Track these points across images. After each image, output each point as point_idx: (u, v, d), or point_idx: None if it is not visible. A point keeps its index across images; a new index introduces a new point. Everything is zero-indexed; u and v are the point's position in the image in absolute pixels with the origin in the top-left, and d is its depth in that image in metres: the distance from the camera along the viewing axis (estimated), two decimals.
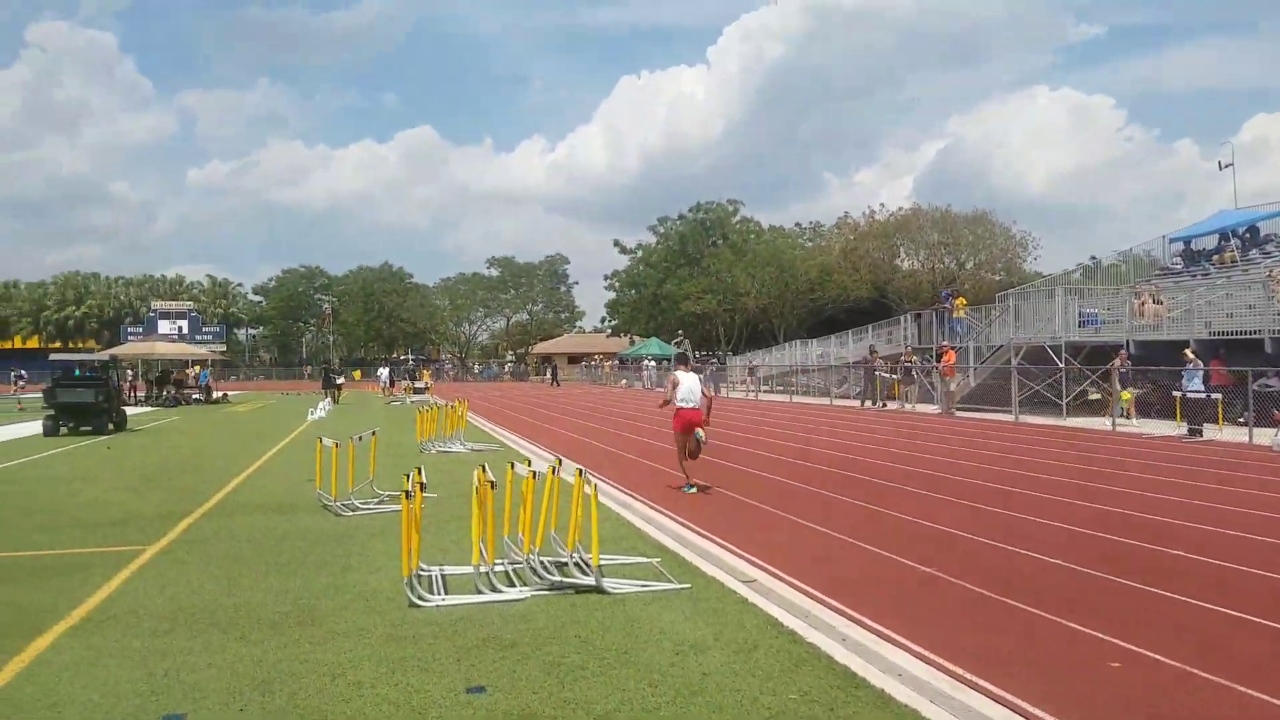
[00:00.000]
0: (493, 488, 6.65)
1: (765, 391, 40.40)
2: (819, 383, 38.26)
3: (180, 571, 7.26)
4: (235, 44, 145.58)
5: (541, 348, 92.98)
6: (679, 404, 11.22)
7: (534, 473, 6.90)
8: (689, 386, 11.29)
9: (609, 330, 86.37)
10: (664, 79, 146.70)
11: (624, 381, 58.82)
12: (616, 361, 66.94)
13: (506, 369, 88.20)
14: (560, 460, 7.65)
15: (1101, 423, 21.35)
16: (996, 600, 6.34)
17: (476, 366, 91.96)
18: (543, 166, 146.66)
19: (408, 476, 6.85)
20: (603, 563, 6.80)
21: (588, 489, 6.81)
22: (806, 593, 6.54)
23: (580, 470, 6.87)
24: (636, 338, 75.25)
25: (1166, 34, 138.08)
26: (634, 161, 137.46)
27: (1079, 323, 25.61)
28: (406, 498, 6.24)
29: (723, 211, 71.26)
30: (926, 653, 5.20)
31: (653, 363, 54.29)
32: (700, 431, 11.10)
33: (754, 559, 7.54)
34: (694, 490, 11.15)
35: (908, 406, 28.22)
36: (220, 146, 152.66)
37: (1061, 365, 23.86)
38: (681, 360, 12.55)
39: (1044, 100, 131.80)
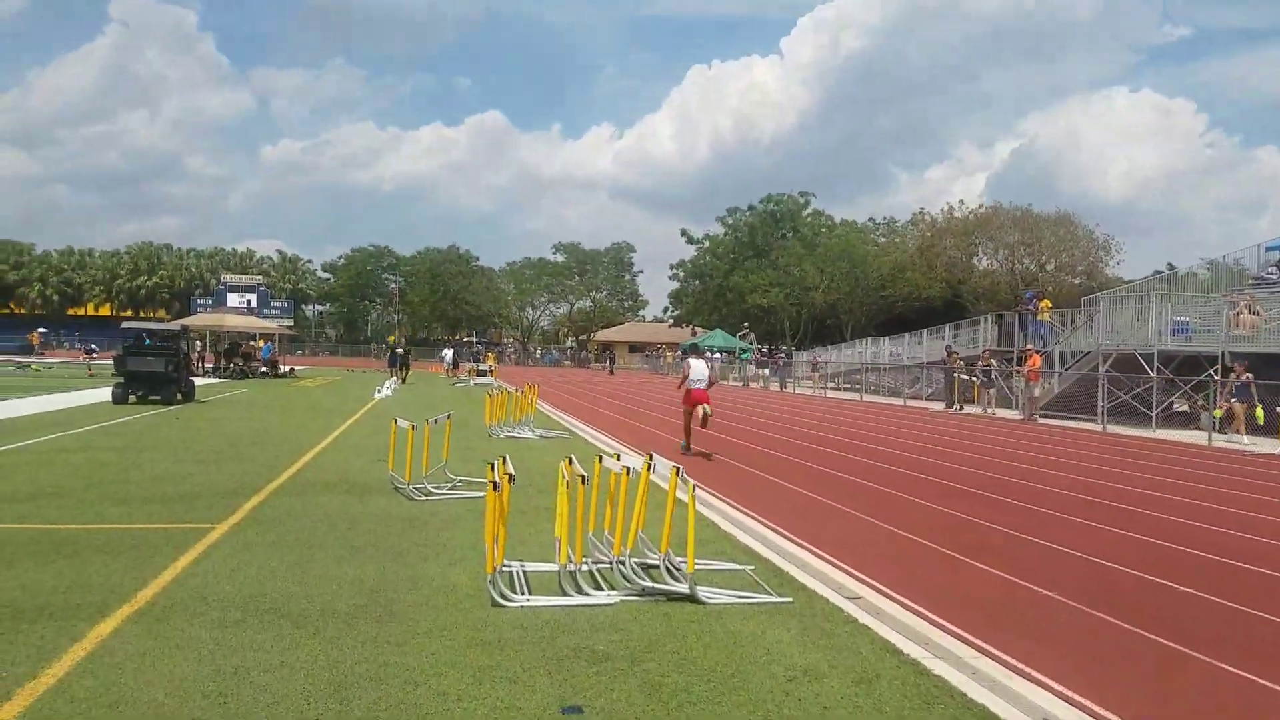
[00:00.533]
0: (584, 482, 6.15)
1: (832, 389, 39.48)
2: (890, 382, 37.21)
3: (250, 554, 6.92)
4: (311, 25, 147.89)
5: (603, 335, 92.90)
6: (690, 385, 13.82)
7: (627, 469, 6.39)
8: (699, 372, 13.92)
9: (671, 320, 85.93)
10: (736, 68, 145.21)
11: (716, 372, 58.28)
12: (680, 352, 66.38)
13: (567, 355, 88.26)
14: (651, 455, 7.12)
15: (1194, 436, 20.18)
16: (1144, 637, 5.65)
17: (538, 351, 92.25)
18: (610, 153, 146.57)
19: (492, 465, 6.39)
20: (695, 568, 6.26)
21: (682, 489, 6.27)
22: (920, 614, 5.92)
23: (677, 469, 6.32)
24: (699, 329, 74.63)
25: (1253, 38, 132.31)
26: (703, 151, 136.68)
27: (1170, 331, 24.34)
28: (494, 489, 5.77)
29: (793, 204, 70.17)
30: (1077, 697, 4.58)
31: (718, 355, 53.61)
32: (707, 407, 13.68)
33: (856, 572, 6.93)
34: (691, 454, 13.76)
35: (988, 411, 27.15)
36: (293, 125, 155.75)
37: (1154, 375, 22.67)
38: (693, 350, 15.73)
39: (1123, 102, 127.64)
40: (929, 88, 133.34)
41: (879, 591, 6.41)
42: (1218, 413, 20.23)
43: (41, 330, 71.66)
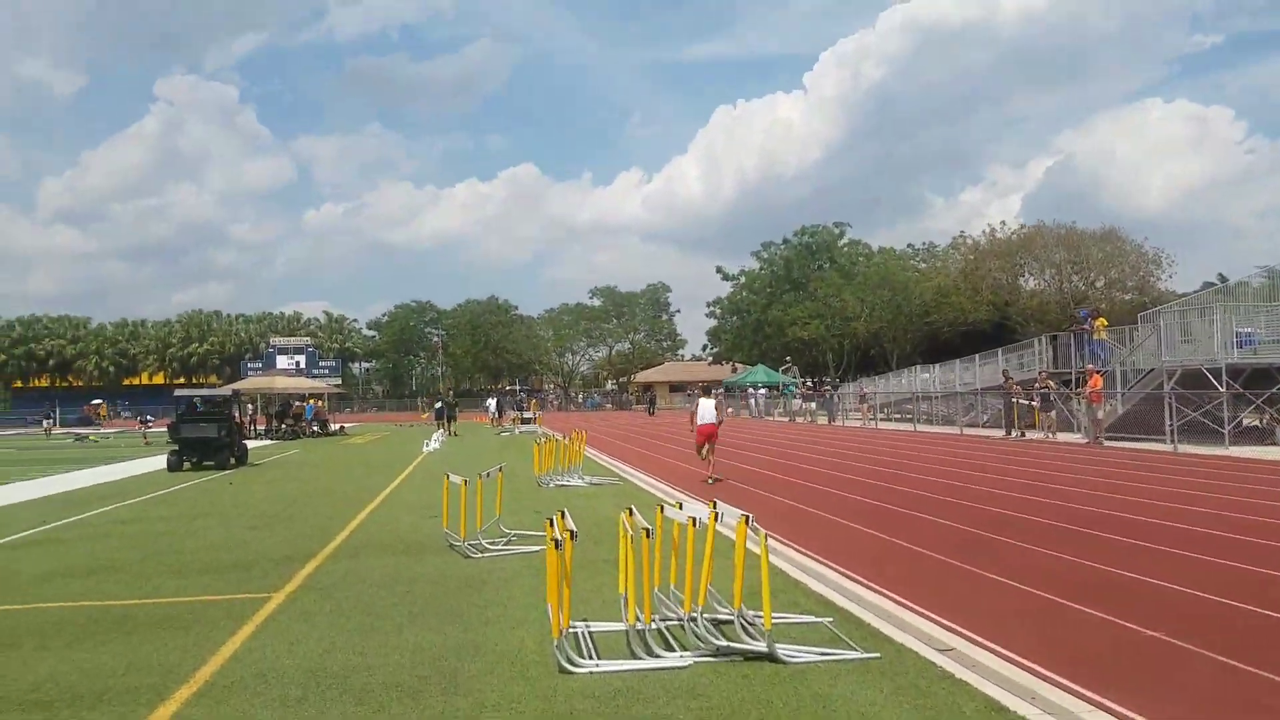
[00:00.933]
0: (648, 536, 5.85)
1: (881, 419, 38.73)
2: (942, 410, 36.38)
3: (309, 625, 6.70)
4: (347, 93, 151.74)
5: (643, 376, 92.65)
6: (700, 421, 15.72)
7: (693, 519, 6.09)
8: (707, 409, 15.80)
9: (710, 358, 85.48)
10: (760, 106, 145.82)
11: (730, 410, 57.69)
12: (721, 389, 65.92)
13: (609, 398, 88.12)
14: (714, 503, 6.81)
15: (1270, 452, 19.32)
16: (1273, 682, 5.17)
17: (580, 396, 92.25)
18: (639, 197, 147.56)
19: (550, 521, 6.14)
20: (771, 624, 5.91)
21: (754, 540, 5.94)
22: (1021, 665, 5.49)
23: (747, 518, 6.00)
24: (739, 365, 74.10)
25: None
26: (730, 190, 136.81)
27: (1235, 344, 23.47)
28: (556, 546, 5.51)
29: (829, 235, 69.76)
30: None
31: (762, 390, 53.03)
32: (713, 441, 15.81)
33: (943, 620, 6.50)
34: (714, 481, 15.45)
35: (1048, 436, 26.34)
36: (334, 189, 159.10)
37: (1223, 390, 21.81)
38: (704, 391, 17.68)
39: (1158, 113, 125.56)
40: (957, 112, 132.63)
41: (972, 642, 5.98)
42: None
43: (95, 401, 73.44)
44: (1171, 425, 21.87)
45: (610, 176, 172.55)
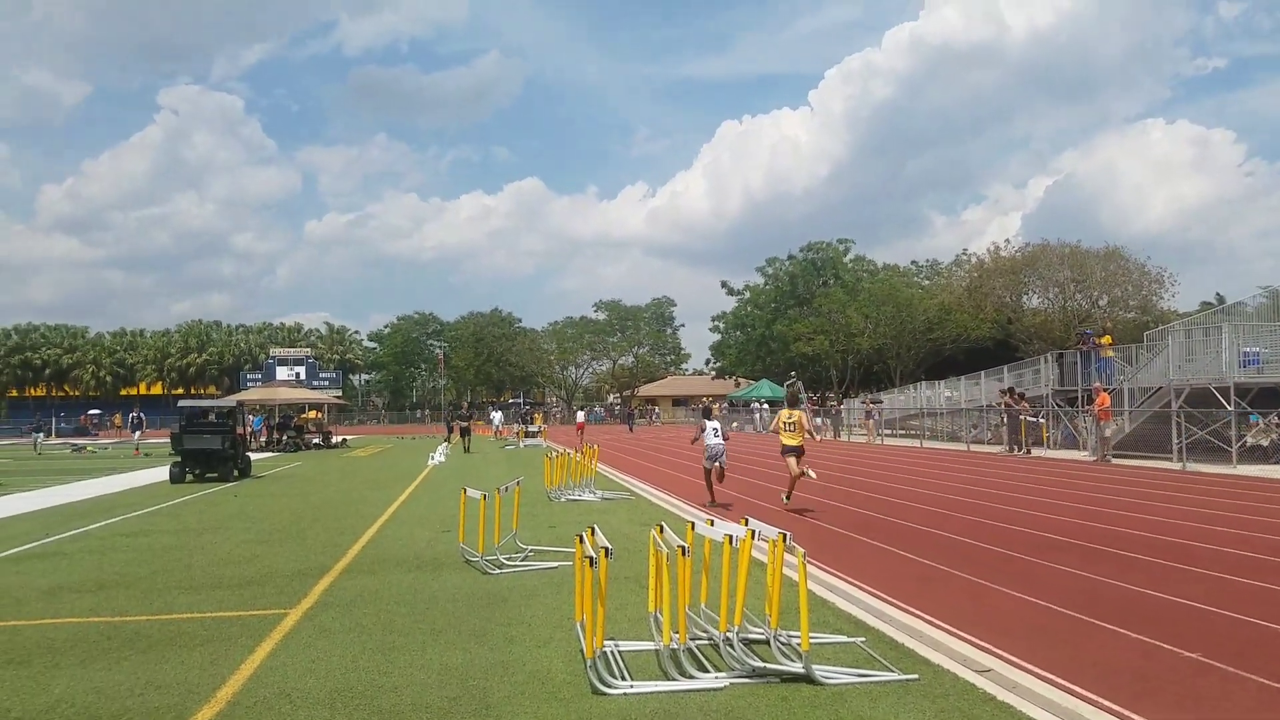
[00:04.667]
0: (684, 554, 5.71)
1: (886, 434, 38.56)
2: (947, 426, 36.25)
3: (329, 642, 6.55)
4: (354, 104, 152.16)
5: (646, 390, 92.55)
6: (708, 442, 14.70)
7: (729, 536, 5.95)
8: (714, 429, 14.88)
9: (713, 372, 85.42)
10: (766, 122, 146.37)
11: (734, 424, 57.49)
12: (725, 404, 65.72)
13: (614, 411, 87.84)
14: (746, 519, 6.67)
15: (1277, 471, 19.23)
16: None
17: (580, 410, 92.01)
18: (644, 212, 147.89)
19: (581, 538, 6.01)
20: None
21: (791, 560, 5.81)
22: (1062, 686, 5.36)
23: (784, 535, 5.86)
24: (742, 380, 74.01)
25: None
26: (736, 205, 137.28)
27: (1240, 363, 23.41)
28: (590, 565, 5.37)
29: (834, 251, 69.83)
30: None
31: (765, 405, 52.89)
32: (722, 460, 14.80)
33: (978, 641, 6.36)
34: (715, 507, 14.45)
35: (1043, 453, 26.25)
36: (338, 200, 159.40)
37: (1231, 408, 21.71)
38: (705, 414, 16.05)
39: (1159, 135, 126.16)
40: (961, 132, 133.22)
41: (1009, 663, 5.84)
42: None
43: (95, 411, 73.10)
44: (1180, 443, 21.78)
45: (615, 190, 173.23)
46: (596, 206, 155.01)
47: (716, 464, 14.70)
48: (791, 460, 13.65)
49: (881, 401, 42.35)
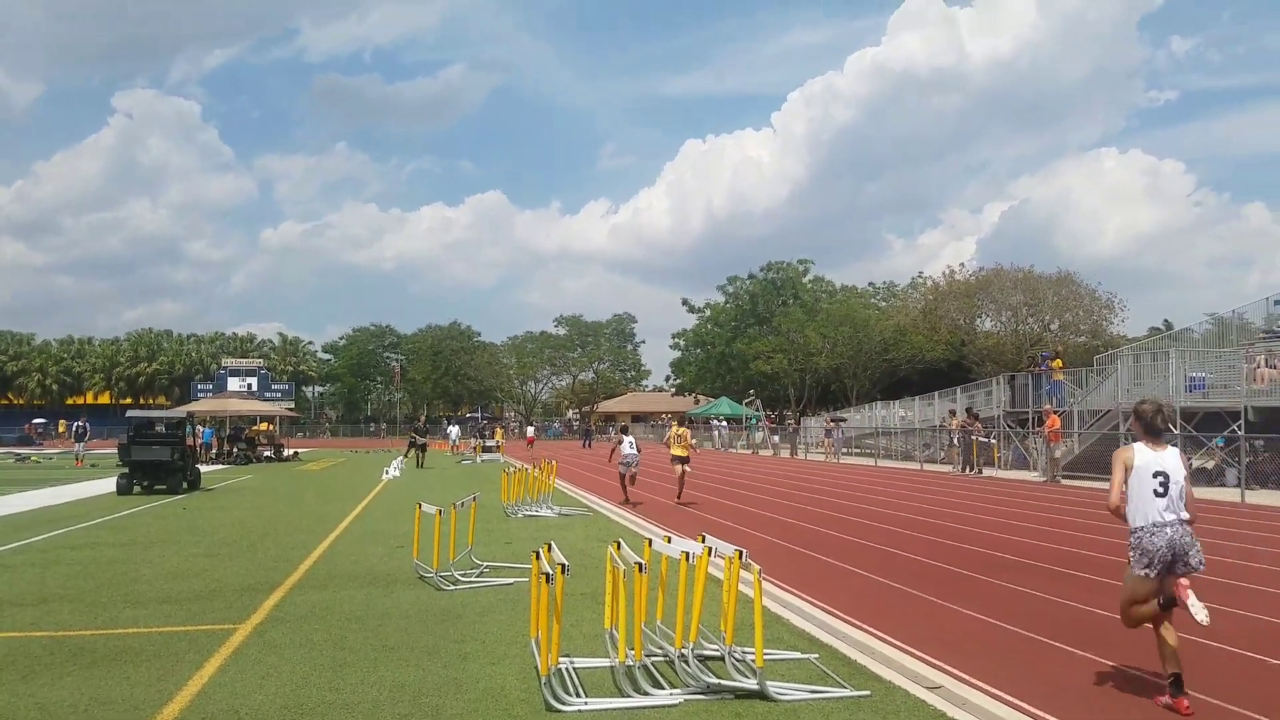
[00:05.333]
0: (641, 571, 5.73)
1: (842, 454, 38.94)
2: (901, 445, 36.71)
3: (279, 658, 6.45)
4: (314, 112, 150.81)
5: (605, 406, 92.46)
6: (622, 455, 17.92)
7: (686, 554, 5.98)
8: (629, 447, 17.88)
9: (673, 389, 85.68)
10: (729, 142, 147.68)
11: (694, 441, 57.69)
12: (687, 420, 65.92)
13: (573, 427, 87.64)
14: (704, 536, 6.71)
15: (1224, 494, 19.75)
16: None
17: (535, 426, 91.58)
18: (606, 227, 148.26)
19: (537, 554, 6.00)
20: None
21: (747, 577, 5.85)
22: (1011, 704, 5.45)
23: (740, 553, 5.91)
24: (702, 397, 74.29)
25: (1240, 98, 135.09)
26: (698, 223, 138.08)
27: (1188, 387, 24.08)
28: (547, 581, 5.36)
29: (793, 271, 70.59)
30: None
31: (724, 423, 53.14)
32: (636, 470, 18.24)
33: (930, 658, 6.45)
34: (628, 504, 17.56)
35: (969, 472, 26.74)
36: (296, 208, 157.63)
37: (1177, 431, 22.27)
38: (624, 431, 19.41)
39: (1112, 163, 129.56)
40: (920, 156, 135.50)
41: (960, 680, 5.93)
42: None
43: (39, 420, 71.18)
44: None
45: (578, 206, 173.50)
46: (559, 221, 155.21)
47: (630, 470, 18.05)
48: (679, 467, 17.82)
49: (845, 420, 42.68)
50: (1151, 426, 5.77)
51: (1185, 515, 5.62)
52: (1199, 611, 5.36)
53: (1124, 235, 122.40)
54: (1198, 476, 23.12)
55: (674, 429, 18.93)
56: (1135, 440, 5.88)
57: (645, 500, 18.59)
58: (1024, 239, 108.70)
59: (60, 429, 39.79)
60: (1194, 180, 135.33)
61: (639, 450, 18.36)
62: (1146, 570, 5.58)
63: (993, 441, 28.59)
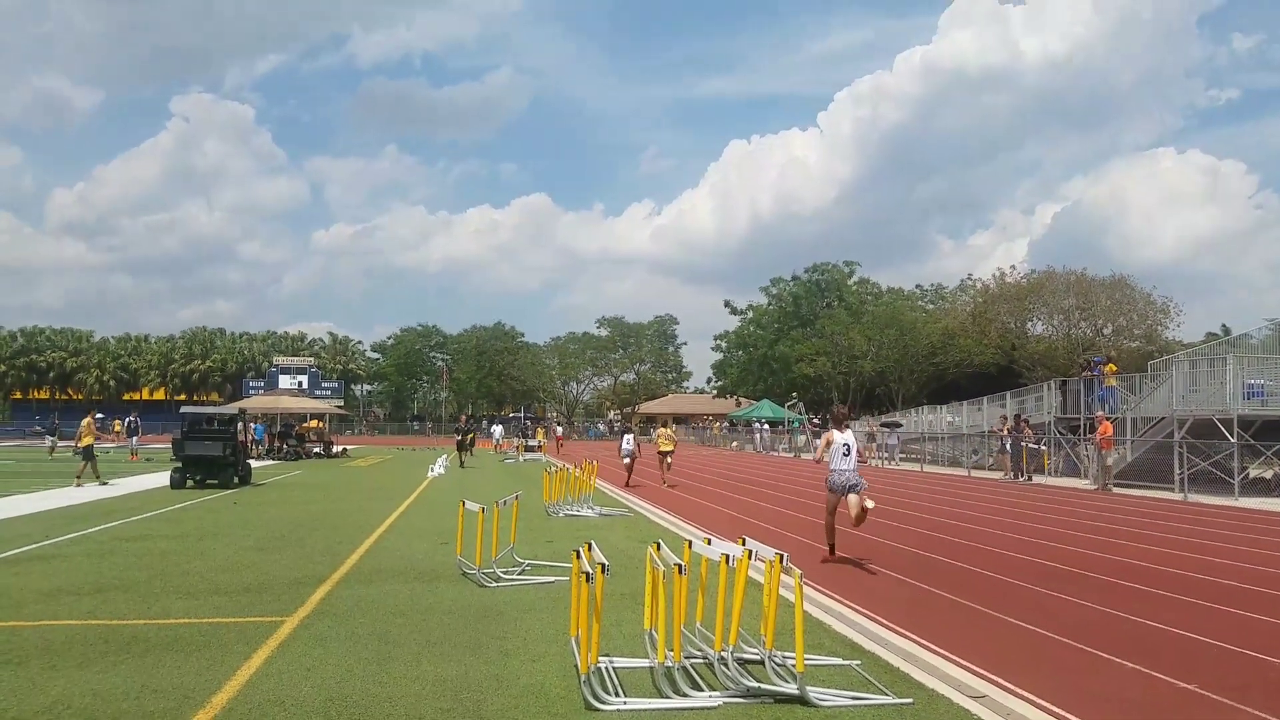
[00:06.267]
0: (681, 572, 5.73)
1: (884, 458, 38.49)
2: (948, 451, 36.20)
3: (324, 651, 6.56)
4: (365, 116, 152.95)
5: (646, 407, 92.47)
6: (625, 448, 23.71)
7: (726, 556, 5.96)
8: (629, 438, 24.03)
9: (714, 391, 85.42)
10: (775, 143, 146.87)
11: (735, 444, 57.46)
12: (727, 423, 65.70)
13: (614, 428, 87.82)
14: (744, 539, 6.69)
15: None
16: None
17: (577, 426, 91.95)
18: (649, 229, 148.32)
19: (578, 553, 6.03)
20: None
21: (788, 581, 5.81)
22: (1057, 715, 5.36)
23: (781, 556, 5.88)
24: (744, 399, 73.97)
25: None
26: (742, 225, 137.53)
27: (1245, 394, 23.42)
28: (587, 581, 5.39)
29: (838, 273, 69.96)
30: None
31: (766, 426, 52.86)
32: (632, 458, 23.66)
33: (974, 667, 6.36)
34: (630, 486, 22.47)
35: (1044, 480, 26.18)
36: (346, 211, 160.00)
37: (1234, 440, 21.70)
38: (625, 430, 25.90)
39: (1169, 164, 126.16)
40: (971, 157, 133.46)
41: (1005, 689, 5.84)
42: None
43: (100, 415, 73.03)
44: (1182, 474, 21.74)
45: (621, 208, 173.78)
46: (603, 223, 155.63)
47: (628, 460, 23.27)
48: (664, 459, 23.20)
49: (900, 425, 41.96)
50: (839, 420, 11.78)
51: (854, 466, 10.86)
52: (868, 502, 10.71)
53: (1182, 237, 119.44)
54: (1255, 487, 22.52)
55: (659, 430, 25.62)
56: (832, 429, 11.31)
57: (643, 486, 23.01)
58: (1077, 241, 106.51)
59: (116, 426, 40.71)
60: (1256, 181, 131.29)
61: (637, 447, 24.30)
62: (833, 492, 10.94)
63: (1043, 448, 28.07)
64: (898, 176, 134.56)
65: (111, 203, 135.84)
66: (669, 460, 23.56)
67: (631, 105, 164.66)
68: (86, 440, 23.19)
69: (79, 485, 21.29)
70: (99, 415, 29.12)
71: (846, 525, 11.43)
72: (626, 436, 24.19)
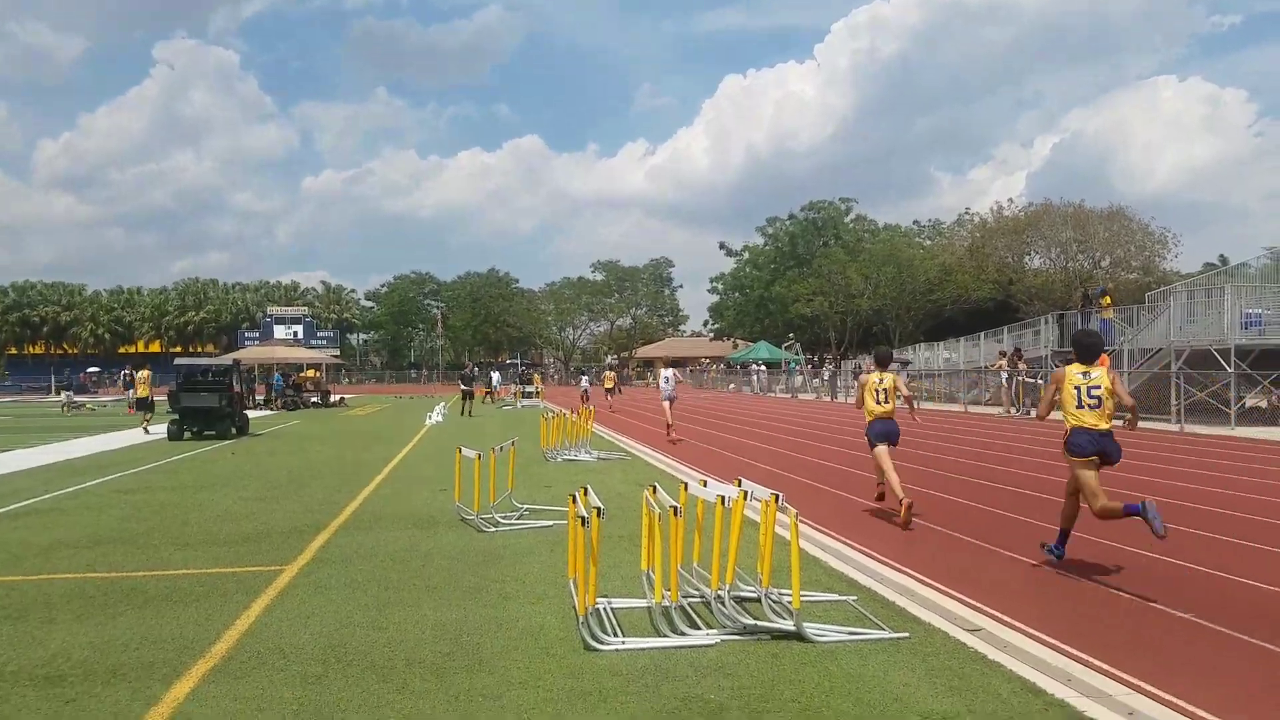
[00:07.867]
0: (676, 514, 5.72)
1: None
2: (945, 388, 36.31)
3: (324, 598, 6.58)
4: (352, 59, 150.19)
5: (643, 352, 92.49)
6: (580, 386, 30.14)
7: (722, 497, 5.95)
8: (586, 381, 31.95)
9: (711, 334, 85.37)
10: (770, 77, 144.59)
11: (732, 386, 57.60)
12: (723, 365, 65.77)
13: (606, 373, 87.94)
14: (740, 480, 6.68)
15: (1277, 434, 19.28)
16: None
17: (579, 372, 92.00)
18: (644, 170, 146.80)
19: (574, 497, 6.02)
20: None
21: (783, 520, 5.81)
22: (1053, 646, 5.38)
23: (776, 496, 5.86)
24: (741, 341, 73.96)
25: None
26: (738, 162, 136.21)
27: (1243, 324, 23.39)
28: (583, 524, 5.38)
29: (835, 211, 69.35)
30: None
31: (763, 367, 52.91)
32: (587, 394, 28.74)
33: (971, 600, 6.39)
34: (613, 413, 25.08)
35: (1010, 412, 26.32)
36: (337, 157, 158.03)
37: (1231, 370, 21.72)
38: (581, 372, 32.84)
39: (1170, 93, 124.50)
40: (971, 90, 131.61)
41: (1001, 622, 5.87)
42: None
43: (93, 369, 72.96)
44: (1179, 405, 21.81)
45: (615, 148, 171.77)
46: (597, 164, 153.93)
47: (583, 392, 26.59)
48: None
49: (910, 362, 41.64)
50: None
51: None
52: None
53: (1181, 167, 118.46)
54: (1251, 416, 22.62)
55: (606, 374, 31.15)
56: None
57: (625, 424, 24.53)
58: (1075, 173, 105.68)
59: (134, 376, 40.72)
60: (1256, 109, 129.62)
61: (590, 385, 31.90)
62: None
63: (1039, 382, 28.11)
64: (896, 110, 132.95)
65: (99, 154, 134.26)
66: (616, 397, 29.65)
67: (625, 41, 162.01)
68: (143, 392, 25.26)
69: (147, 432, 23.50)
70: (92, 370, 29.48)
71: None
72: (584, 379, 29.57)
